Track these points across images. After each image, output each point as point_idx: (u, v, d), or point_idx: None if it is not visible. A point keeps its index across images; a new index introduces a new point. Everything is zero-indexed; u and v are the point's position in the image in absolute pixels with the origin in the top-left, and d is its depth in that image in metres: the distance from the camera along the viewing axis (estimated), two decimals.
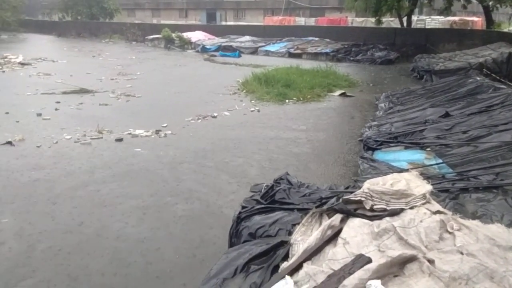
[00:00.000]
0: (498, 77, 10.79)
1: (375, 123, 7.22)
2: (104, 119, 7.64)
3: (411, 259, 1.91)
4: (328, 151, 6.21)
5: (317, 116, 8.41)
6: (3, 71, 13.99)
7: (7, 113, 8.04)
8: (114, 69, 14.48)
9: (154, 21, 42.11)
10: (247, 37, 24.67)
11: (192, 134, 7.00)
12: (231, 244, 2.79)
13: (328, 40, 22.19)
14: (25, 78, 12.60)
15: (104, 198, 4.47)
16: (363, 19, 29.83)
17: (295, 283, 1.98)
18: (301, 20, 35.37)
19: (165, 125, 7.34)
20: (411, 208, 2.39)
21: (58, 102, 9.13)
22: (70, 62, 16.80)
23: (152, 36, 26.73)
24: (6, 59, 16.46)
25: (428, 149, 5.27)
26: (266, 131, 7.22)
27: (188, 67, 16.14)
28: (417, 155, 5.13)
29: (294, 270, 2.09)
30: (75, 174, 5.13)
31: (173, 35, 24.79)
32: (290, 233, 2.54)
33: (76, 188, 4.72)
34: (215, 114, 8.30)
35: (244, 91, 10.80)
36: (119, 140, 6.48)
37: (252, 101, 9.71)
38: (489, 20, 18.93)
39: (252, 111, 8.80)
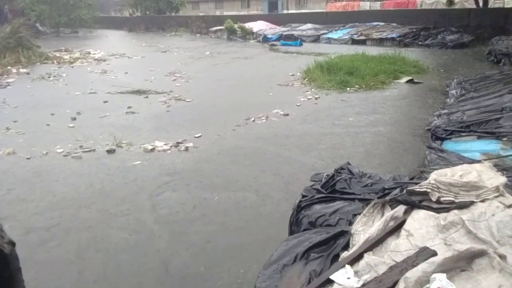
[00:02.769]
0: None
1: (445, 111, 6.82)
2: (133, 129, 6.96)
3: (481, 253, 1.81)
4: (392, 141, 5.99)
5: (380, 104, 8.12)
6: (72, 67, 14.82)
7: (52, 114, 7.96)
8: (178, 65, 14.37)
9: (217, 12, 42.97)
10: (309, 25, 24.32)
11: (220, 146, 5.98)
12: (291, 232, 2.83)
13: (394, 24, 21.19)
14: (90, 75, 12.83)
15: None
16: (433, 0, 28.09)
17: (356, 272, 1.97)
18: (365, 5, 34.12)
19: (198, 135, 6.41)
20: (482, 201, 2.26)
21: (106, 102, 8.92)
22: (144, 58, 16.94)
23: (215, 28, 27.36)
24: (88, 55, 17.70)
25: (505, 139, 4.90)
26: (318, 127, 6.84)
27: (250, 59, 16.16)
28: (492, 145, 4.79)
29: (354, 259, 2.08)
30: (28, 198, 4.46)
31: (235, 26, 25.15)
32: (350, 223, 2.52)
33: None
34: (268, 115, 7.51)
35: (306, 79, 10.70)
36: (111, 152, 5.78)
37: (313, 90, 9.59)
38: None
39: (309, 98, 8.69)
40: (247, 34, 24.70)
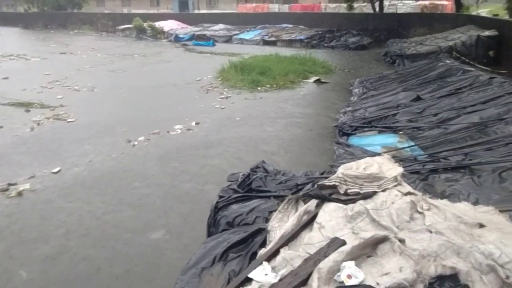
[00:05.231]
0: (467, 60, 11.11)
1: (350, 108, 7.32)
2: None
3: (383, 239, 1.98)
4: (302, 139, 6.26)
5: (289, 103, 8.42)
6: None
7: None
8: (81, 69, 12.79)
9: (125, 10, 41.06)
10: (221, 25, 24.44)
11: (79, 182, 4.60)
12: (209, 234, 2.81)
13: (302, 26, 22.22)
14: None
15: None
16: (336, 4, 29.90)
17: (273, 268, 2.02)
18: (274, 7, 35.16)
19: (57, 169, 4.94)
20: (383, 190, 2.46)
21: None
22: (44, 60, 14.97)
23: (123, 26, 26.14)
24: None
25: (401, 132, 5.40)
26: (229, 132, 6.44)
27: (164, 61, 15.07)
28: (391, 139, 5.25)
29: (271, 256, 2.13)
30: None
31: (145, 24, 24.31)
32: (267, 220, 2.58)
33: None
34: (170, 129, 6.57)
35: (220, 79, 10.71)
36: None
37: (226, 89, 9.63)
38: (458, 4, 19.31)
39: (221, 97, 8.70)
40: (158, 34, 24.01)
